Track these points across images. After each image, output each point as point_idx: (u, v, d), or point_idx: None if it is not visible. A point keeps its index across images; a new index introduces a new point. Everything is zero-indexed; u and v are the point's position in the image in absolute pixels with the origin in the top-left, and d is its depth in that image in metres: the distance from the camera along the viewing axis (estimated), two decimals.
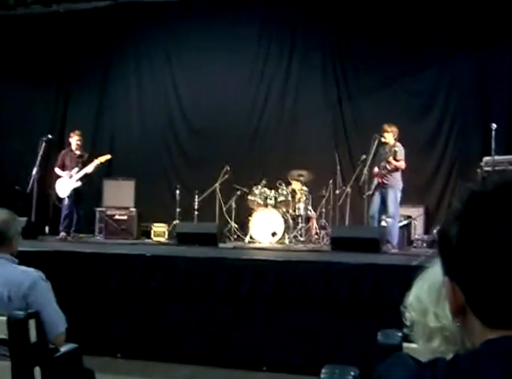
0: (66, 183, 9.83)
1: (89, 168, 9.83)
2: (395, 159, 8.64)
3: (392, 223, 8.57)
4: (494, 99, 10.22)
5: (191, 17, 12.02)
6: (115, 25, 12.29)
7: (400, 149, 8.71)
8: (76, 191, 9.82)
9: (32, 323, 3.09)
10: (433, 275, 1.59)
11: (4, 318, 3.05)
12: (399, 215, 8.87)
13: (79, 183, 9.80)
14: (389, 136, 8.78)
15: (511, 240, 0.94)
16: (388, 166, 8.63)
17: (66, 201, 9.81)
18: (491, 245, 0.96)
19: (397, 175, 8.70)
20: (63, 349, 3.42)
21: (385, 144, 8.82)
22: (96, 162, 9.93)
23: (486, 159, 8.81)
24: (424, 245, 9.47)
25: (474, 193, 1.02)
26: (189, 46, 12.00)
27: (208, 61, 11.80)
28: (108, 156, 10.33)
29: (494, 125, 8.40)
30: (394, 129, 8.81)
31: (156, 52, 12.31)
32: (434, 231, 8.83)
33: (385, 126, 8.82)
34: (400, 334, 2.32)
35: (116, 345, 6.19)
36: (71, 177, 9.77)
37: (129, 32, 12.41)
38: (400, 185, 8.70)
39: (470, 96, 10.43)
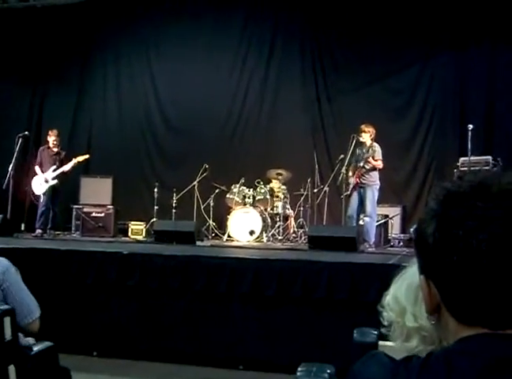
0: (43, 181, 9.74)
1: (67, 167, 9.75)
2: (373, 158, 8.68)
3: (369, 221, 8.60)
4: (471, 100, 10.32)
5: (171, 14, 11.96)
6: (94, 21, 12.18)
7: (378, 149, 8.76)
8: (52, 188, 9.73)
9: (6, 320, 3.05)
10: (411, 275, 1.60)
11: None
12: (376, 214, 8.92)
13: (55, 181, 9.72)
14: (367, 136, 8.82)
15: (485, 239, 0.95)
16: (366, 166, 8.67)
17: (43, 198, 9.72)
18: (466, 243, 0.97)
19: (375, 174, 8.74)
20: (38, 347, 3.39)
21: (363, 144, 8.86)
22: (74, 161, 9.86)
23: (462, 159, 8.94)
24: (401, 244, 9.56)
25: (450, 192, 1.03)
26: (168, 44, 11.95)
27: (188, 59, 11.76)
28: (86, 156, 10.30)
29: (470, 126, 8.52)
30: (371, 129, 8.84)
31: (135, 50, 12.23)
32: (411, 230, 8.89)
33: (363, 126, 8.86)
34: (376, 332, 2.34)
35: (92, 343, 6.14)
36: (47, 181, 9.67)
37: (107, 29, 12.32)
38: (377, 184, 8.74)
39: (448, 97, 10.53)
